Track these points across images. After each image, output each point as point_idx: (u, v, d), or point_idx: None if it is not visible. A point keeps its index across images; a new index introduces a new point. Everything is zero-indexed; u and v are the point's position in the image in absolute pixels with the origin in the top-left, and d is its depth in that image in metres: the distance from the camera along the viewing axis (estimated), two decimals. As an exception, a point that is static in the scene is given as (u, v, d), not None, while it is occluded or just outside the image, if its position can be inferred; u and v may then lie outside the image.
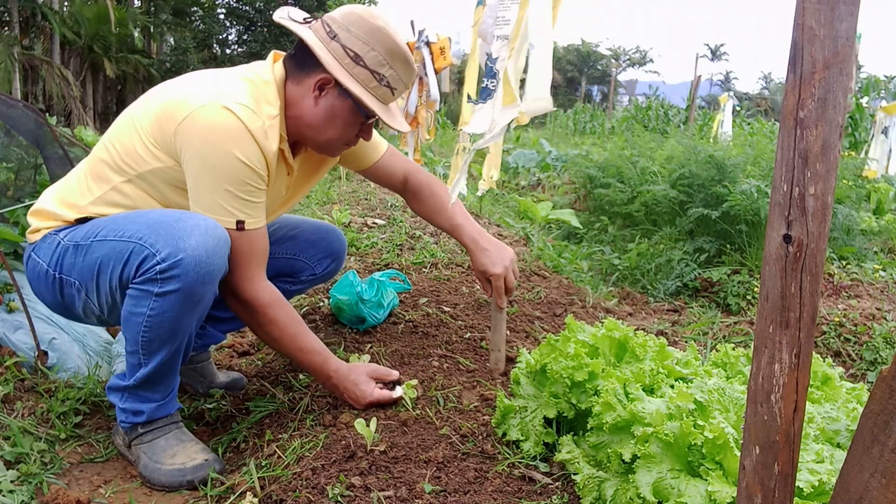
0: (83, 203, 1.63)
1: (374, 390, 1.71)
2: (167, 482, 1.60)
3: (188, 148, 1.52)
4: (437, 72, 4.56)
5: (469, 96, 3.23)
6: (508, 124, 2.77)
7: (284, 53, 1.70)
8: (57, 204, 1.67)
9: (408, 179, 2.03)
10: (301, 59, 1.63)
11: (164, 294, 1.49)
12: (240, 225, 1.57)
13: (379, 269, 2.80)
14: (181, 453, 1.63)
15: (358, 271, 2.77)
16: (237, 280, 1.61)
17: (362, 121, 1.69)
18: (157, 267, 1.46)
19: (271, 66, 1.66)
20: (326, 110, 1.64)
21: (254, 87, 1.60)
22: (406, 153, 7.62)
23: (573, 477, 1.41)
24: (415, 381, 1.77)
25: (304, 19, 1.65)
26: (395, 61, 1.62)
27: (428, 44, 4.52)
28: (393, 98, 1.70)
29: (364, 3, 23.33)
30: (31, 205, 1.74)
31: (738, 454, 1.08)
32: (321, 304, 2.55)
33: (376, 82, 1.62)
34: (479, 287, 2.78)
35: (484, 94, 2.90)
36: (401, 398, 1.72)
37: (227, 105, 1.51)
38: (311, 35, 1.60)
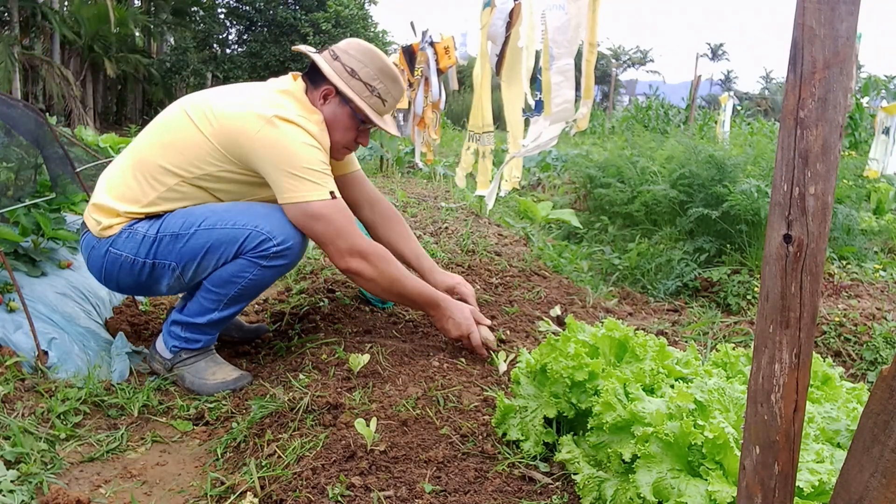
0: (146, 201, 1.99)
1: (475, 327, 2.04)
2: (213, 391, 2.05)
3: (270, 155, 1.90)
4: (442, 71, 4.55)
5: (524, 110, 3.29)
6: (565, 130, 2.84)
7: (300, 73, 2.11)
8: (117, 201, 2.00)
9: (376, 205, 2.38)
10: (313, 77, 2.07)
11: (271, 267, 1.98)
12: (332, 194, 1.92)
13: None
14: (219, 372, 2.09)
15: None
16: (354, 240, 1.95)
17: (359, 126, 2.10)
18: (273, 249, 1.94)
19: (296, 83, 2.07)
20: (329, 115, 2.05)
21: (298, 102, 2.00)
22: (411, 151, 7.62)
23: (573, 477, 1.41)
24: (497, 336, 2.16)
25: (317, 50, 2.11)
26: (385, 77, 2.06)
27: (432, 44, 4.51)
28: (384, 108, 2.10)
29: (364, 4, 23.31)
30: (31, 205, 1.74)
31: (738, 454, 1.09)
32: (321, 303, 2.56)
33: (368, 93, 2.04)
34: (479, 287, 2.78)
35: (538, 107, 3.01)
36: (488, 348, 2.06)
37: (289, 118, 1.91)
38: (318, 57, 2.04)
